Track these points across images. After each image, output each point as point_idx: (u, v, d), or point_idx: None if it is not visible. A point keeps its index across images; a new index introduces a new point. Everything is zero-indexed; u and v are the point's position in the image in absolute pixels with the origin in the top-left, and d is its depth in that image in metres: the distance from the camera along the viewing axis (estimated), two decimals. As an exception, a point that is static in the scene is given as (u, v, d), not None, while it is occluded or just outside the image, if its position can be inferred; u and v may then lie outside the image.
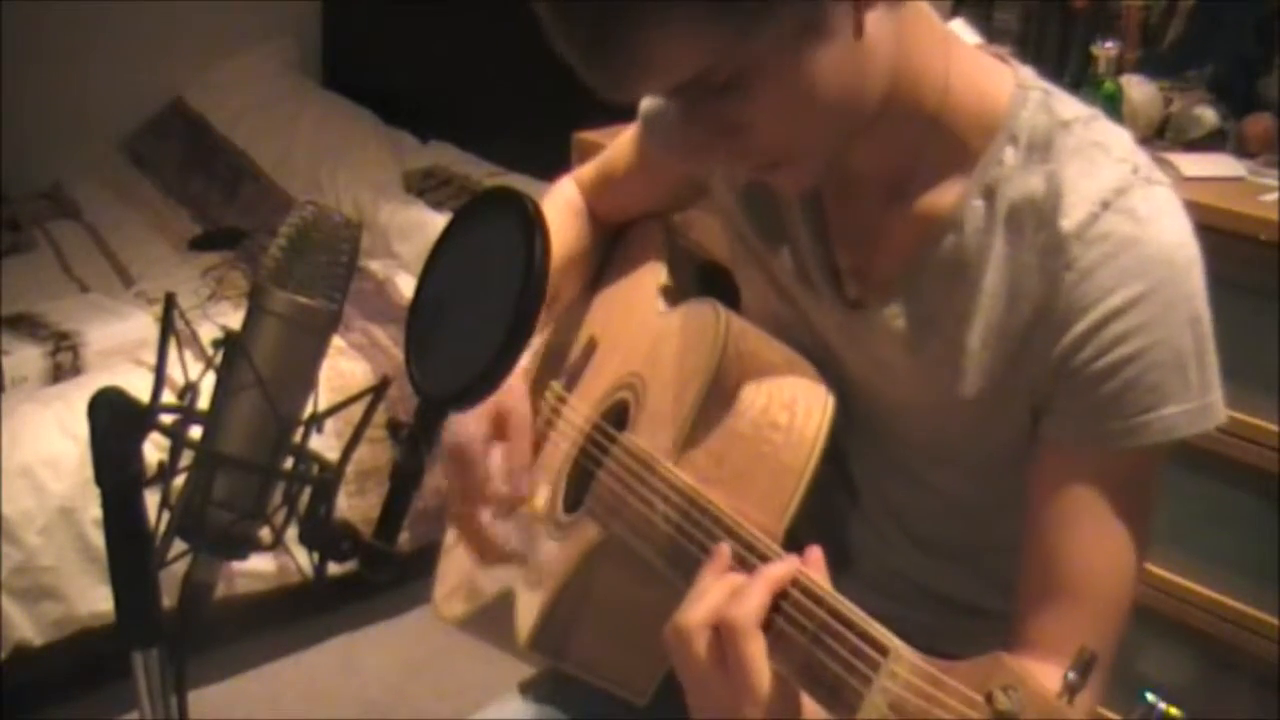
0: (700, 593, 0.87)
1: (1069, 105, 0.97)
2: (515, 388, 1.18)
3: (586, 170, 1.34)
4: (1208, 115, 2.09)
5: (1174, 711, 0.69)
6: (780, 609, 0.85)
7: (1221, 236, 1.74)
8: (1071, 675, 0.71)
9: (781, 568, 0.86)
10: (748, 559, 0.90)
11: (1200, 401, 0.93)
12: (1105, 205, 0.91)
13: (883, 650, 0.79)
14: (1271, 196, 1.86)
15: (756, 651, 0.83)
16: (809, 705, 0.86)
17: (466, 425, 1.14)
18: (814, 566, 0.87)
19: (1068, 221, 0.92)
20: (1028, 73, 0.99)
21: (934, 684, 0.75)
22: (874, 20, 0.88)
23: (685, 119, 0.91)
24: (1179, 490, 1.83)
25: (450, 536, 1.34)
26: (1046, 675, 0.90)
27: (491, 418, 1.15)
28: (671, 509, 0.96)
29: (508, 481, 1.14)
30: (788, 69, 0.85)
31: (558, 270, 1.26)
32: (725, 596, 0.85)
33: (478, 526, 1.15)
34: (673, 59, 0.84)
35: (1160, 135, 2.12)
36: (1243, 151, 2.05)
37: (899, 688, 0.77)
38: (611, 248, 1.34)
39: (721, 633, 0.84)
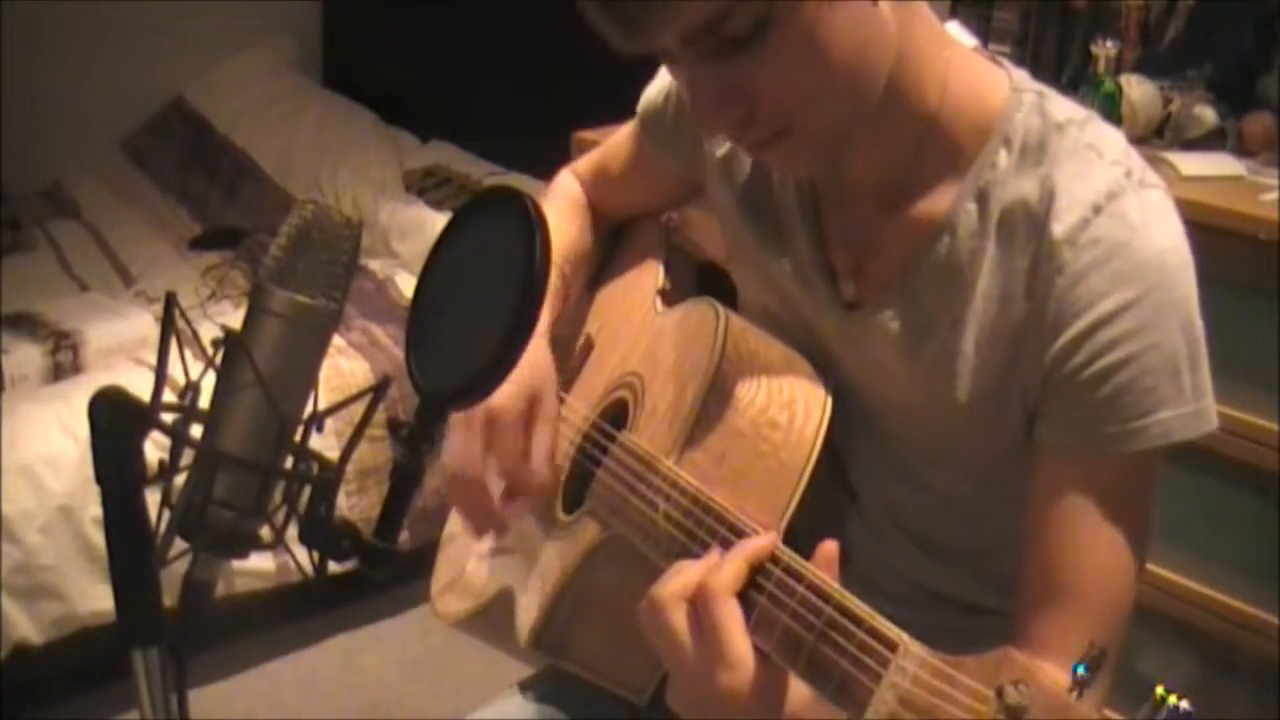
0: (677, 569, 0.88)
1: (1063, 107, 0.97)
2: (546, 372, 1.15)
3: (583, 164, 1.34)
4: (1207, 114, 2.09)
5: (1184, 705, 0.69)
6: (761, 587, 0.85)
7: (1221, 236, 1.75)
8: (1081, 670, 0.71)
9: (758, 541, 0.87)
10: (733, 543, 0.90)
11: (1194, 406, 0.93)
12: (1097, 210, 0.91)
13: (891, 646, 0.79)
14: (1271, 196, 1.86)
15: (729, 616, 0.83)
16: (797, 689, 0.86)
17: (504, 395, 1.11)
18: (825, 564, 0.86)
19: (1059, 226, 0.92)
20: (1022, 75, 0.99)
21: (943, 679, 0.75)
22: (884, 5, 0.88)
23: (695, 77, 0.90)
24: (1179, 490, 1.83)
25: (449, 529, 1.34)
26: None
27: (527, 396, 1.13)
28: (673, 508, 0.96)
29: (539, 465, 1.12)
30: (800, 26, 0.85)
31: (568, 265, 1.26)
32: (701, 569, 0.86)
33: (482, 499, 1.13)
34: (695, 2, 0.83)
35: (1159, 135, 2.12)
36: (1242, 151, 2.05)
37: (908, 683, 0.77)
38: (610, 247, 1.34)
39: (695, 600, 0.85)
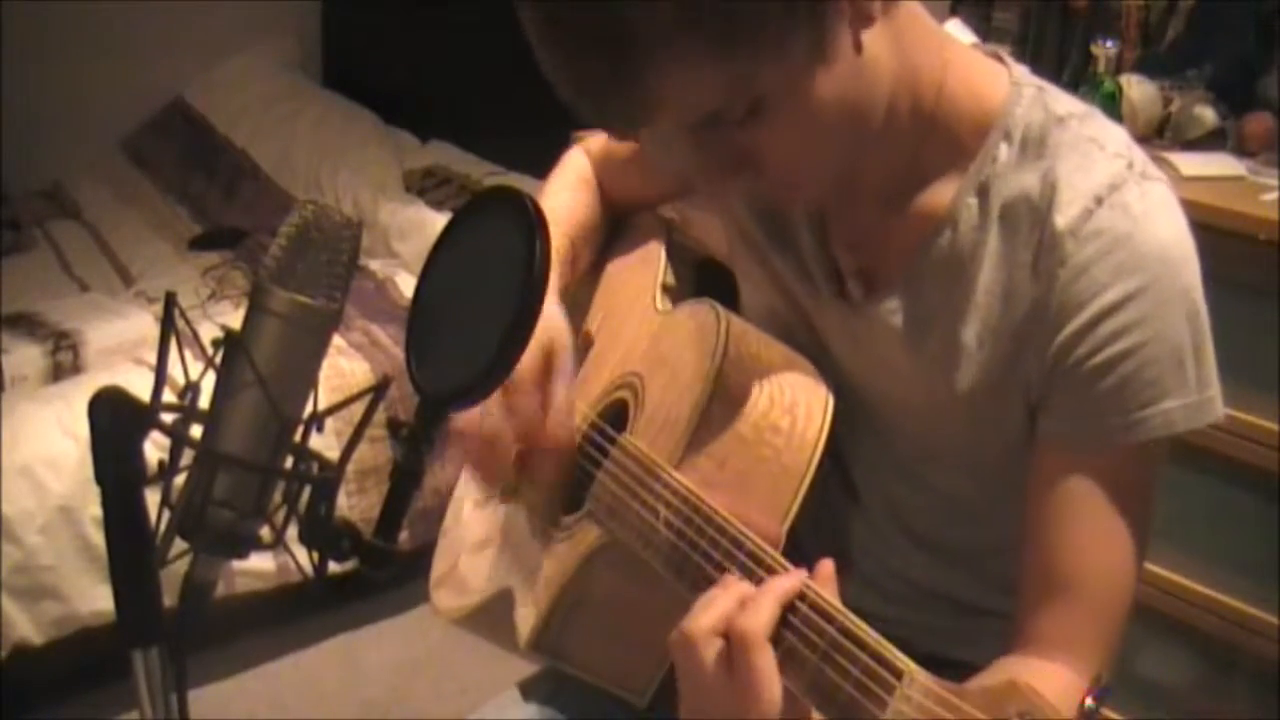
0: (708, 601, 0.86)
1: (1064, 101, 0.97)
2: (561, 329, 1.14)
3: (595, 143, 1.34)
4: (1207, 115, 2.09)
5: None
6: (790, 624, 0.84)
7: (1221, 236, 1.75)
8: (1089, 702, 0.71)
9: (790, 580, 0.85)
10: (754, 570, 0.89)
11: (1199, 396, 0.93)
12: (1099, 201, 0.91)
13: (897, 673, 0.78)
14: (1271, 196, 1.86)
15: (767, 663, 0.82)
16: None
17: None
18: (824, 581, 0.86)
19: (1061, 218, 0.92)
20: (1022, 71, 0.99)
21: (948, 708, 0.74)
22: (871, 34, 0.88)
23: (698, 153, 0.91)
24: (1179, 490, 1.83)
25: (447, 520, 1.34)
26: (1051, 674, 0.89)
27: (543, 353, 1.11)
28: (674, 514, 0.95)
29: (556, 420, 1.10)
30: (797, 96, 0.86)
31: (579, 234, 1.26)
32: (734, 605, 0.84)
33: (492, 454, 1.10)
34: (687, 99, 0.84)
35: (1160, 135, 2.12)
36: (1242, 151, 2.05)
37: (913, 711, 0.76)
38: (609, 242, 1.34)
39: (732, 643, 0.83)
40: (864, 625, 0.81)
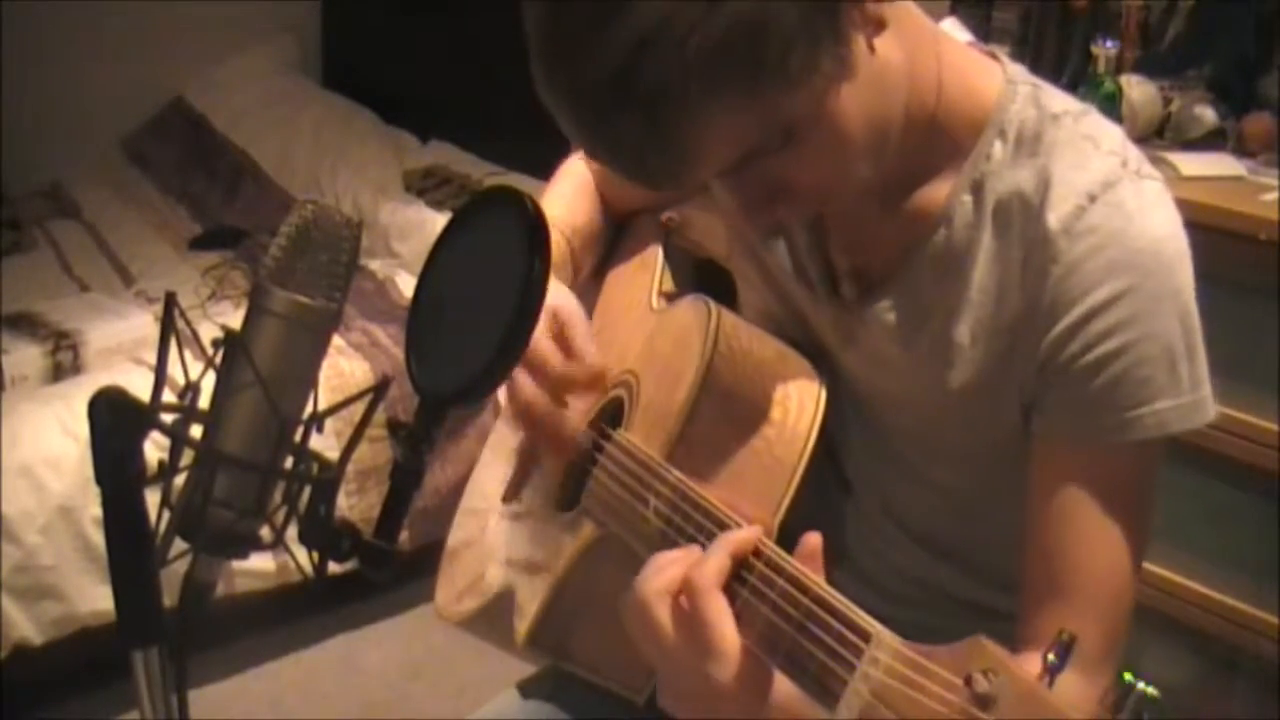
0: (659, 565, 0.86)
1: (1059, 99, 0.97)
2: (558, 290, 1.13)
3: None
4: (1207, 115, 2.09)
5: (1151, 691, 0.68)
6: (745, 580, 0.83)
7: (1221, 236, 1.75)
8: (1051, 657, 0.71)
9: (740, 533, 0.85)
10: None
11: (1192, 396, 0.93)
12: (1093, 198, 0.91)
13: (865, 636, 0.77)
14: (1271, 196, 1.86)
15: (717, 609, 0.82)
16: (782, 682, 0.85)
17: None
18: (808, 556, 0.85)
19: (1054, 215, 0.92)
20: (1017, 69, 0.99)
21: (916, 669, 0.74)
22: (880, 39, 0.88)
23: (736, 194, 0.91)
24: (1179, 490, 1.83)
25: (456, 538, 1.34)
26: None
27: (549, 315, 1.10)
28: (663, 503, 0.96)
29: (579, 358, 1.09)
30: (826, 116, 0.86)
31: (578, 239, 1.26)
32: (683, 563, 0.85)
33: (547, 418, 1.10)
34: (726, 143, 0.84)
35: (1160, 135, 2.12)
36: (1242, 151, 2.05)
37: (882, 674, 0.75)
38: (609, 245, 1.34)
39: (683, 595, 0.83)
40: (835, 593, 0.80)
